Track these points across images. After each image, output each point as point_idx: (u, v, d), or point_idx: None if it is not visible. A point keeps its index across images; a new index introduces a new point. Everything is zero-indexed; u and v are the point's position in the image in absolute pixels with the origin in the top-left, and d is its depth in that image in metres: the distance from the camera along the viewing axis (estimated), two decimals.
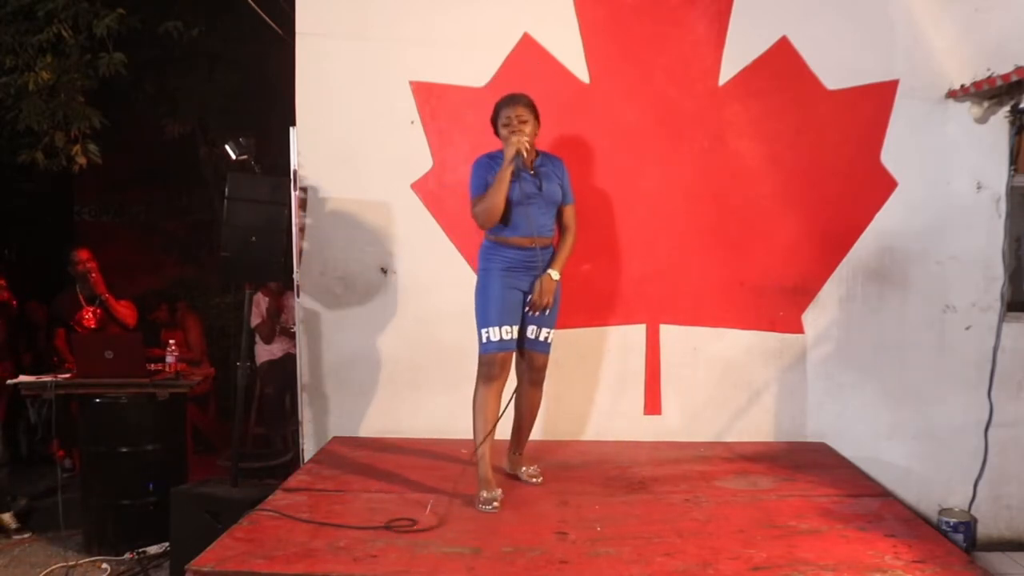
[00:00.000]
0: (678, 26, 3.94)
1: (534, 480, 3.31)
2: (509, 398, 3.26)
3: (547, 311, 3.17)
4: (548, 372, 3.93)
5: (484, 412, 3.09)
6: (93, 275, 4.86)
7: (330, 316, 4.04)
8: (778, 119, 3.93)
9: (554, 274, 3.13)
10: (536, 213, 3.09)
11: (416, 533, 2.75)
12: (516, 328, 3.13)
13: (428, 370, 3.99)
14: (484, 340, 3.11)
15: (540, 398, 3.35)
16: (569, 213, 3.25)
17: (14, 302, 5.12)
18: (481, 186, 3.10)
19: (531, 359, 3.24)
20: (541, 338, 3.22)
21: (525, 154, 3.02)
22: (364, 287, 4.03)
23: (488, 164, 3.12)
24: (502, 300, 3.10)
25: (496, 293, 3.10)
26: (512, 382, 3.25)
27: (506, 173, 3.01)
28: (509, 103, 3.11)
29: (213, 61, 6.56)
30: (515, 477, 3.36)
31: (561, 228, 3.27)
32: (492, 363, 3.10)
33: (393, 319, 4.02)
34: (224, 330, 6.86)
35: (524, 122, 3.07)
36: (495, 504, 2.98)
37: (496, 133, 3.16)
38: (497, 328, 3.08)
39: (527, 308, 3.15)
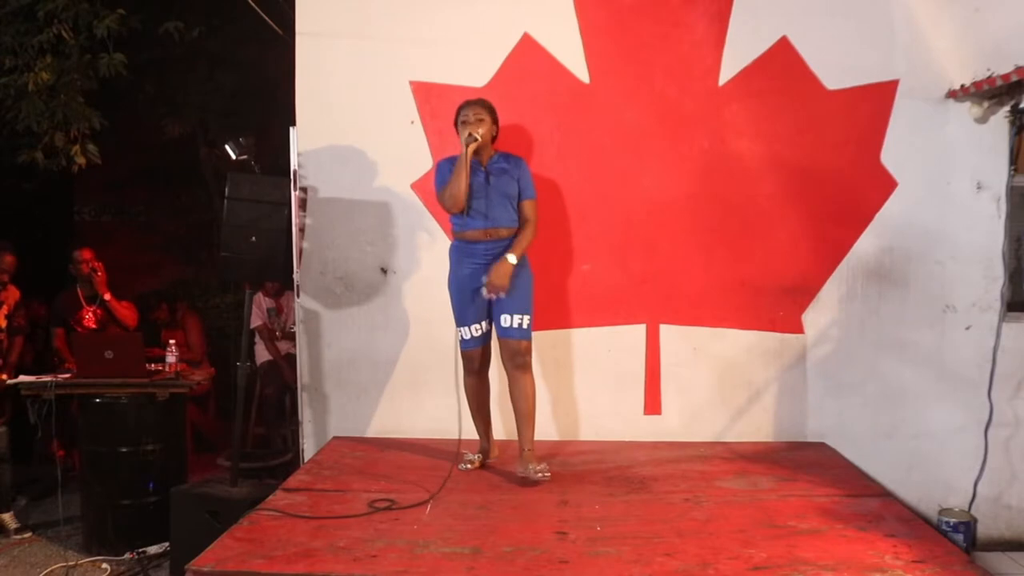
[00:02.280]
0: (678, 26, 3.94)
1: (537, 475, 3.27)
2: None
3: (501, 294, 3.29)
4: (548, 372, 3.97)
5: (470, 394, 3.53)
6: (99, 274, 4.86)
7: (330, 316, 4.04)
8: (778, 119, 3.93)
9: (511, 258, 3.30)
10: (488, 206, 3.32)
11: (416, 533, 2.76)
12: (485, 322, 3.41)
13: (428, 370, 3.99)
14: (460, 338, 3.46)
15: (531, 384, 3.39)
16: (529, 207, 3.41)
17: (23, 321, 5.09)
18: (444, 180, 3.37)
19: (507, 346, 3.36)
20: (514, 325, 3.33)
21: (479, 138, 3.25)
22: (364, 287, 4.03)
23: (449, 165, 3.38)
24: (468, 301, 3.38)
25: (460, 295, 3.40)
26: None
27: (464, 157, 3.24)
28: (469, 103, 3.39)
29: (213, 61, 6.56)
30: (524, 478, 3.30)
31: (520, 222, 3.42)
32: (469, 358, 3.47)
33: (393, 319, 4.03)
34: (224, 330, 6.86)
35: (480, 120, 3.33)
36: (467, 464, 3.51)
37: (456, 132, 3.37)
38: (467, 327, 3.41)
39: (485, 291, 3.32)
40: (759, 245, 3.97)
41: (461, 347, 3.46)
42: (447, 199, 3.32)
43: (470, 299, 3.37)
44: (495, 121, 3.41)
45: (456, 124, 3.39)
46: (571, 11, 3.92)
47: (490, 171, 3.36)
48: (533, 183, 3.43)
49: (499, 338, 3.39)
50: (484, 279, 3.30)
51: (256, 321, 5.49)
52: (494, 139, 3.43)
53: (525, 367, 3.36)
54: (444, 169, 3.40)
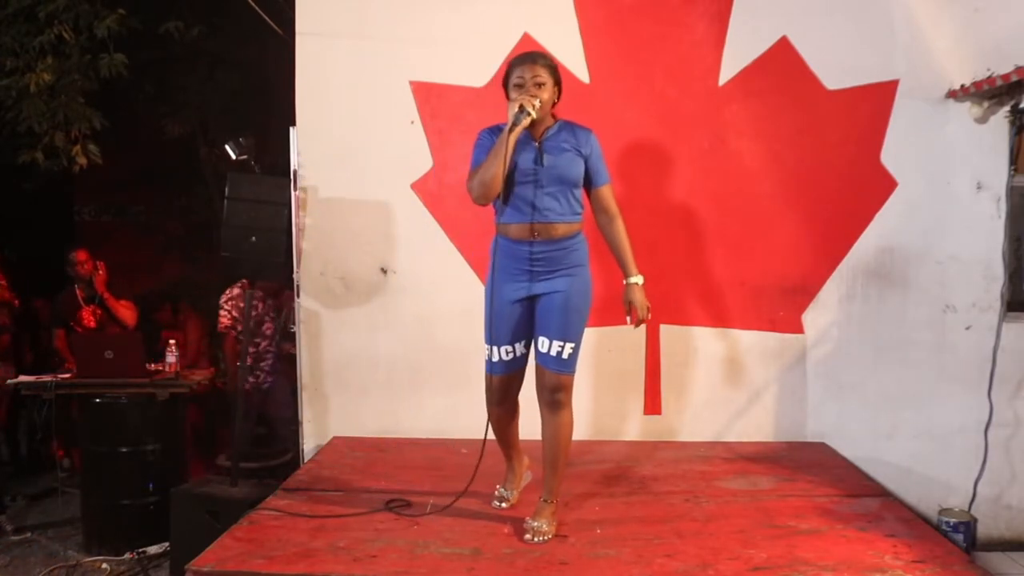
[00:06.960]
0: (678, 26, 3.94)
1: (527, 536, 2.68)
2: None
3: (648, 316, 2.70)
4: None
5: (493, 423, 2.84)
6: (100, 272, 4.86)
7: (330, 316, 4.04)
8: (778, 119, 3.93)
9: (637, 279, 2.75)
10: (536, 194, 2.61)
11: (416, 533, 2.76)
12: (521, 344, 2.75)
13: (428, 370, 3.99)
14: (487, 358, 2.76)
15: (567, 427, 2.74)
16: (606, 195, 2.76)
17: (16, 301, 5.11)
18: (480, 160, 2.65)
19: (541, 376, 2.72)
20: (552, 352, 2.66)
21: (533, 113, 2.52)
22: (364, 287, 4.03)
23: (490, 139, 2.66)
24: (505, 315, 2.70)
25: (497, 307, 2.69)
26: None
27: (506, 136, 2.51)
28: (525, 60, 2.62)
29: (213, 61, 6.57)
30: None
31: (601, 218, 2.81)
32: (492, 387, 2.79)
33: (393, 319, 4.02)
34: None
35: (540, 84, 2.58)
36: (500, 502, 3.03)
37: (507, 97, 2.66)
38: (498, 348, 2.73)
39: (629, 322, 2.78)
40: (759, 245, 3.97)
41: (486, 368, 2.77)
42: (475, 187, 2.57)
43: (507, 312, 2.68)
44: (558, 83, 2.64)
45: (505, 87, 2.65)
46: (571, 11, 3.92)
47: (544, 148, 2.61)
48: (606, 163, 2.70)
49: (536, 363, 2.75)
50: (538, 298, 2.66)
51: (224, 320, 5.27)
52: (554, 105, 2.68)
53: (559, 405, 2.70)
54: (484, 143, 2.65)
